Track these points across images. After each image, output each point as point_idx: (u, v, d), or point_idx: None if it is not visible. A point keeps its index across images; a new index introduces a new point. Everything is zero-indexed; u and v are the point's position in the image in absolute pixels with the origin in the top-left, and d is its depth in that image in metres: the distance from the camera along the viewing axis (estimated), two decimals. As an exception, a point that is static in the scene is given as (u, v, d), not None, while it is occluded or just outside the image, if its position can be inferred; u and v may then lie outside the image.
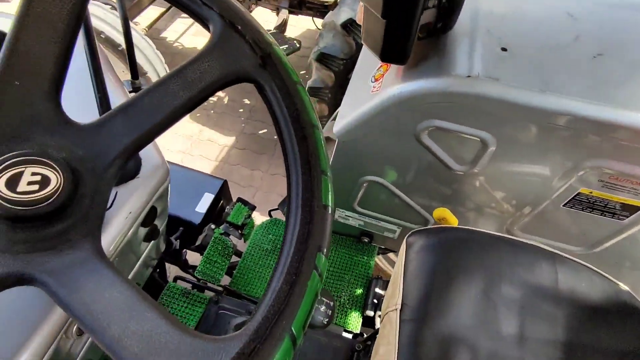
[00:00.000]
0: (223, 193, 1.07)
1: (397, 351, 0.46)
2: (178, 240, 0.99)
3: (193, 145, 2.02)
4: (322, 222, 0.29)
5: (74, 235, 0.28)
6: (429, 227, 0.58)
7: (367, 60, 0.80)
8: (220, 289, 0.95)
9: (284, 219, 1.12)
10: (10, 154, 0.26)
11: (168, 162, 1.16)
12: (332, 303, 0.42)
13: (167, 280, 0.99)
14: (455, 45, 0.65)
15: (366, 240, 1.06)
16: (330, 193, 0.31)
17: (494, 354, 0.45)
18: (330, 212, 0.30)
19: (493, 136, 0.65)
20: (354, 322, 0.96)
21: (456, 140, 0.68)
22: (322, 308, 0.41)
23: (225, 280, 1.07)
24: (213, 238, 0.91)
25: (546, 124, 0.61)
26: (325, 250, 0.28)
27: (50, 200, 0.26)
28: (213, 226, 0.95)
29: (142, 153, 0.43)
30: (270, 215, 1.15)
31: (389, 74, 0.70)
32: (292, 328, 0.24)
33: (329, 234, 0.29)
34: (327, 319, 0.41)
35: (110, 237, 0.38)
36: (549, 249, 0.56)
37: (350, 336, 0.89)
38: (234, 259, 1.10)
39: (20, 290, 0.28)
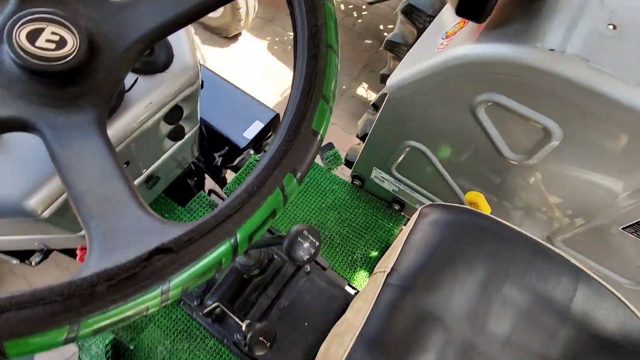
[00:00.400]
0: (272, 125, 1.08)
1: (370, 308, 0.45)
2: (221, 158, 1.05)
3: (263, 76, 2.05)
4: (304, 145, 0.28)
5: (83, 102, 0.29)
6: (448, 203, 0.54)
7: (447, 15, 0.72)
8: None
9: (322, 164, 1.13)
10: (38, 9, 0.28)
11: (232, 83, 1.19)
12: (317, 243, 0.42)
13: (203, 190, 1.06)
14: (554, 11, 0.55)
15: (396, 208, 1.03)
16: (325, 120, 0.29)
17: (469, 345, 0.43)
18: (318, 139, 0.29)
19: (561, 128, 0.57)
20: (360, 280, 0.97)
21: (516, 123, 0.60)
22: (306, 245, 0.41)
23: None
24: (248, 162, 0.95)
25: (634, 130, 0.52)
26: (299, 175, 0.27)
27: (63, 61, 0.27)
28: (252, 152, 0.98)
29: (176, 51, 0.43)
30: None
31: (463, 32, 0.62)
32: (237, 233, 0.24)
33: (309, 160, 0.28)
34: (307, 257, 0.41)
35: (128, 119, 0.40)
36: (578, 264, 0.49)
37: (353, 292, 0.90)
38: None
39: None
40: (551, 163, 0.64)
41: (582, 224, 0.71)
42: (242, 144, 1.01)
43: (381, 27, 2.25)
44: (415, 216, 0.53)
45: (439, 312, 0.44)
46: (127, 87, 0.40)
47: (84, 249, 0.85)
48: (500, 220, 0.52)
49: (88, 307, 0.21)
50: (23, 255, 0.80)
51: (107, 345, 0.88)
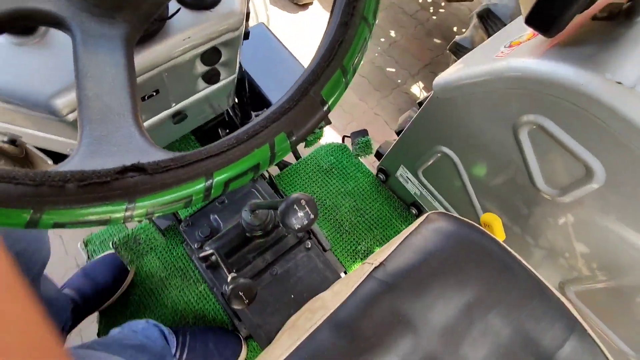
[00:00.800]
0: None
1: (349, 295, 0.44)
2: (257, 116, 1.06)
3: (322, 51, 2.03)
4: (308, 110, 0.27)
5: (119, 16, 0.30)
6: (459, 216, 0.51)
7: (517, 23, 0.67)
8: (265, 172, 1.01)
9: (351, 149, 1.11)
10: None
11: (289, 50, 1.19)
12: (312, 216, 0.41)
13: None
14: (636, 43, 0.50)
15: (414, 212, 1.01)
16: (337, 92, 0.28)
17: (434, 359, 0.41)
18: (325, 108, 0.28)
19: (605, 171, 0.52)
20: (357, 272, 0.97)
21: (557, 155, 0.56)
22: (300, 214, 0.41)
23: (274, 170, 1.14)
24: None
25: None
26: (293, 138, 0.27)
27: None
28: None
29: (225, -3, 0.43)
30: (343, 140, 1.14)
31: (529, 44, 0.57)
32: (214, 175, 0.24)
33: (309, 126, 0.27)
34: (299, 226, 0.41)
35: (164, 47, 0.41)
36: (577, 316, 0.46)
37: (346, 280, 0.90)
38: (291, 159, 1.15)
39: None
40: (586, 206, 0.59)
41: (604, 281, 0.65)
42: (279, 107, 1.01)
43: (454, 29, 2.15)
44: (421, 219, 0.51)
45: (415, 318, 0.43)
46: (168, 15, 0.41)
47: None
48: (509, 249, 0.49)
49: (54, 198, 0.21)
50: (57, 158, 0.86)
51: None
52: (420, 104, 1.15)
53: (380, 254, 0.48)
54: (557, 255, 0.72)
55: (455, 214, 0.83)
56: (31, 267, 0.58)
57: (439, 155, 0.77)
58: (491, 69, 0.57)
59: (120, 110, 0.26)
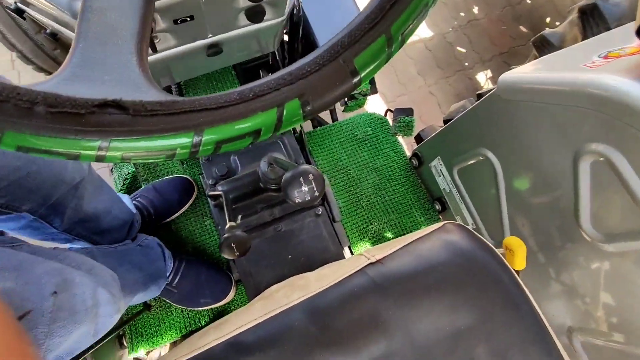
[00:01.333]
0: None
1: (334, 283, 0.42)
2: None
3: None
4: (333, 78, 0.22)
5: None
6: (477, 234, 0.46)
7: (622, 32, 0.56)
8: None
9: (391, 125, 1.04)
10: None
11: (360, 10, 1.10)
12: (316, 194, 0.38)
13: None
14: None
15: (437, 207, 0.95)
16: (374, 63, 0.23)
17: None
18: (354, 81, 0.23)
19: (669, 231, 0.44)
20: (360, 250, 0.94)
21: (618, 197, 0.48)
22: (304, 188, 0.37)
23: (307, 126, 1.10)
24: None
25: None
26: (308, 108, 0.22)
27: None
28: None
29: None
30: (385, 114, 1.07)
31: (630, 60, 0.47)
32: (204, 132, 0.21)
33: (329, 98, 0.22)
34: (299, 200, 0.37)
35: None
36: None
37: (347, 255, 0.88)
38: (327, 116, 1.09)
39: None
40: (630, 261, 0.51)
41: (619, 343, 0.59)
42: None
43: (547, 19, 1.90)
44: (435, 226, 0.46)
45: (394, 327, 0.40)
46: None
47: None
48: (521, 283, 0.44)
49: (18, 119, 0.19)
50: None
51: (128, 173, 0.96)
52: (479, 95, 1.04)
53: (380, 250, 0.45)
54: (577, 296, 0.65)
55: (471, 227, 0.77)
56: (58, 183, 0.55)
57: (481, 158, 0.69)
58: (574, 80, 0.48)
59: (123, 33, 0.23)
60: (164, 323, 0.85)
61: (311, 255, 0.82)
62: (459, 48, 1.83)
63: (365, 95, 0.94)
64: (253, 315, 0.41)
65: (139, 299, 0.73)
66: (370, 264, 0.43)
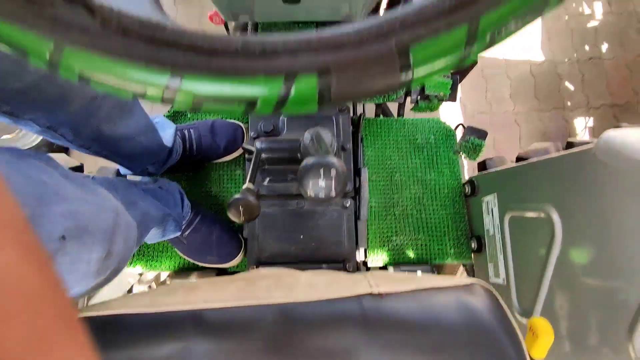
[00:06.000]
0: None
1: (320, 299, 0.37)
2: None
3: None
4: (372, 59, 0.16)
5: None
6: (505, 307, 0.38)
7: None
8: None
9: (457, 142, 0.94)
10: None
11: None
12: (334, 193, 0.32)
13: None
14: None
15: (472, 245, 0.86)
16: (436, 62, 0.16)
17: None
18: (403, 79, 0.17)
19: None
20: (374, 259, 0.88)
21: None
22: (321, 183, 0.32)
23: (370, 110, 1.02)
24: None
25: None
26: (325, 90, 0.16)
27: None
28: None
29: None
30: (456, 127, 0.96)
31: None
32: (183, 78, 0.16)
33: (360, 90, 0.17)
34: (312, 194, 0.32)
35: None
36: None
37: (360, 259, 0.82)
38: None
39: None
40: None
41: None
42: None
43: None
44: (462, 281, 0.39)
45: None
46: None
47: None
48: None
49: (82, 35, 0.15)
50: None
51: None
52: (570, 144, 0.90)
53: (387, 282, 0.39)
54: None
55: (502, 282, 0.68)
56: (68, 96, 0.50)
57: (542, 215, 0.59)
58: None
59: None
60: (167, 252, 0.87)
61: (323, 243, 0.78)
62: (567, 83, 1.62)
63: (442, 100, 0.84)
64: (226, 296, 0.38)
65: (150, 239, 0.73)
66: (371, 294, 0.37)
